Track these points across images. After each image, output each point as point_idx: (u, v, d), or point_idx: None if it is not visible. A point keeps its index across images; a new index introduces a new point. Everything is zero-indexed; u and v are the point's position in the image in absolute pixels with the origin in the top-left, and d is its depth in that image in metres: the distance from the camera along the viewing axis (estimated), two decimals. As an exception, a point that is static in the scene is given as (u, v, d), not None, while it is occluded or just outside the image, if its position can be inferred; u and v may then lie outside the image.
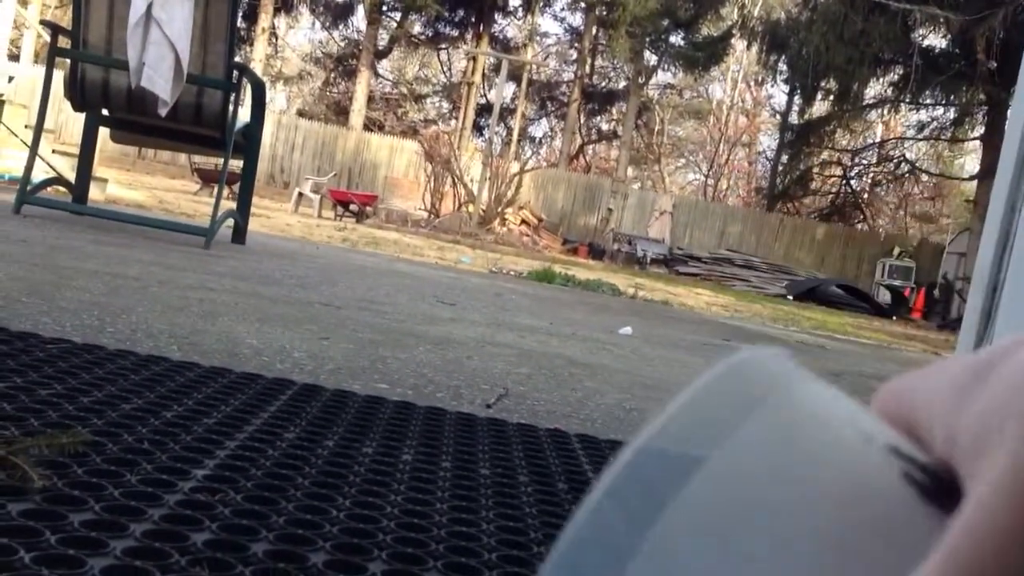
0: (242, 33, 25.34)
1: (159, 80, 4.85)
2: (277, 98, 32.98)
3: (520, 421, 2.09)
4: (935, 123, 25.13)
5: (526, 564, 1.17)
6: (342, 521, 1.20)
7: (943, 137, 25.57)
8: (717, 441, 0.20)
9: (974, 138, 24.24)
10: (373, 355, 2.72)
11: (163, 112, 5.05)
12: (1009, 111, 1.84)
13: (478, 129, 28.96)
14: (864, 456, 0.21)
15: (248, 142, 6.00)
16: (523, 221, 19.67)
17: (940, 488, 0.20)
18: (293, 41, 34.68)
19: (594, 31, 27.81)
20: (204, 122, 5.57)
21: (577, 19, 29.67)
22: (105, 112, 5.86)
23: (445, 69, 33.51)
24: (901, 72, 22.32)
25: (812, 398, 0.22)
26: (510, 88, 28.26)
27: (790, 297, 16.86)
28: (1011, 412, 0.19)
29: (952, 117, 24.01)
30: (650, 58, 27.48)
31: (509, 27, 31.06)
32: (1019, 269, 1.65)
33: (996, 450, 0.19)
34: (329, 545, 1.11)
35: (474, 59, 27.48)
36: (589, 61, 28.68)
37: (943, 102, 23.56)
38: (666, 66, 28.48)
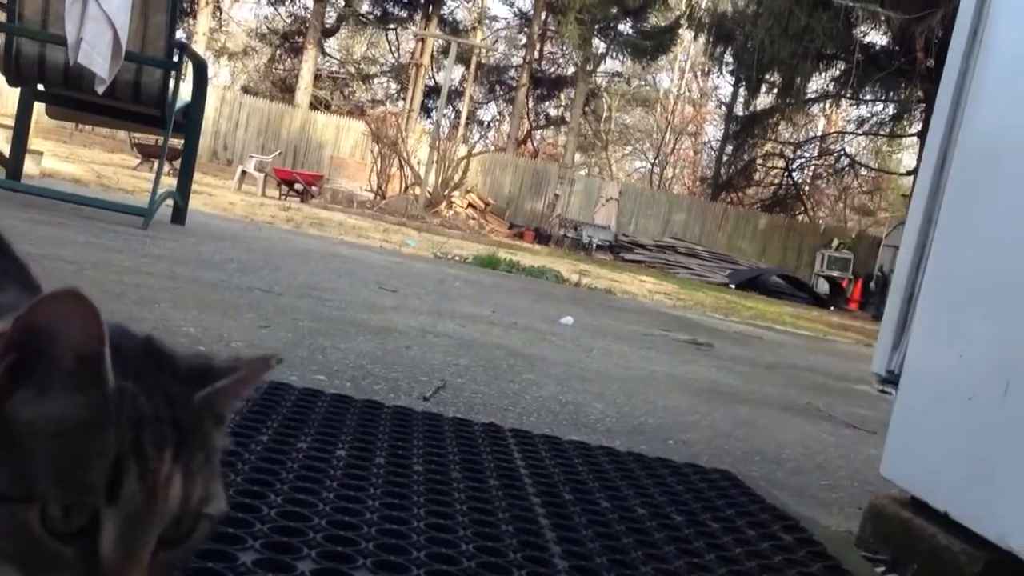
0: (184, 5, 24.80)
1: (97, 57, 4.75)
2: (221, 73, 32.42)
3: (456, 415, 2.12)
4: (875, 118, 25.67)
5: (454, 562, 1.21)
6: (273, 519, 1.22)
7: (882, 133, 26.12)
8: None
9: (912, 134, 24.80)
10: (312, 345, 2.72)
11: (100, 89, 4.94)
12: (928, 136, 1.91)
13: (426, 111, 28.80)
14: None
15: (189, 122, 5.91)
16: (470, 204, 19.65)
17: None
18: (238, 15, 34.06)
19: (543, 16, 27.78)
20: (143, 100, 5.47)
21: (527, 3, 29.62)
22: (41, 87, 5.72)
23: (393, 49, 33.23)
24: (843, 68, 22.73)
25: None
26: (459, 71, 28.14)
27: (732, 286, 17.12)
28: None
29: (891, 113, 24.56)
30: (599, 45, 27.56)
31: (459, 9, 30.89)
32: (933, 280, 1.72)
33: None
34: (259, 544, 1.13)
35: (423, 41, 27.28)
36: (538, 46, 28.65)
37: (883, 98, 24.06)
38: (614, 54, 28.61)
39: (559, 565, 1.30)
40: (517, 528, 1.41)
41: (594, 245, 20.03)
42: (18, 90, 5.88)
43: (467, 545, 1.28)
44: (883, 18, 19.86)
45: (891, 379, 1.80)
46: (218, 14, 29.08)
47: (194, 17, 26.02)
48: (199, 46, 23.94)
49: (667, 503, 1.72)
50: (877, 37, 22.72)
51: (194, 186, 6.65)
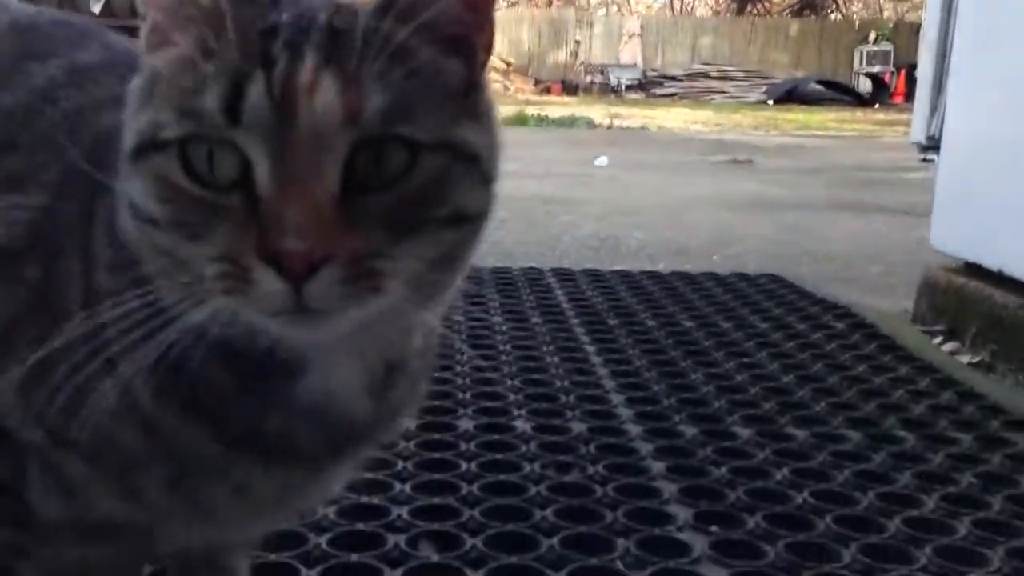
0: None
1: (81, -22, 4.64)
2: None
3: (495, 265, 2.11)
4: None
5: (499, 397, 1.21)
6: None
7: (909, -91, 24.58)
8: None
9: (940, -95, 23.26)
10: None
11: (96, 8, 4.85)
12: None
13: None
14: None
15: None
16: (491, 68, 19.24)
17: None
18: None
19: None
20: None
21: None
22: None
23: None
24: None
25: None
26: (456, -71, 27.06)
27: (770, 102, 16.66)
28: None
29: None
30: None
31: None
32: (964, 34, 1.62)
33: None
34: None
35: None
36: None
37: None
38: None
39: (607, 385, 1.30)
40: (563, 358, 1.41)
41: (623, 86, 19.55)
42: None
43: (512, 380, 1.28)
44: None
45: (932, 145, 1.72)
46: None
47: None
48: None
49: (714, 312, 1.71)
50: None
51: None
